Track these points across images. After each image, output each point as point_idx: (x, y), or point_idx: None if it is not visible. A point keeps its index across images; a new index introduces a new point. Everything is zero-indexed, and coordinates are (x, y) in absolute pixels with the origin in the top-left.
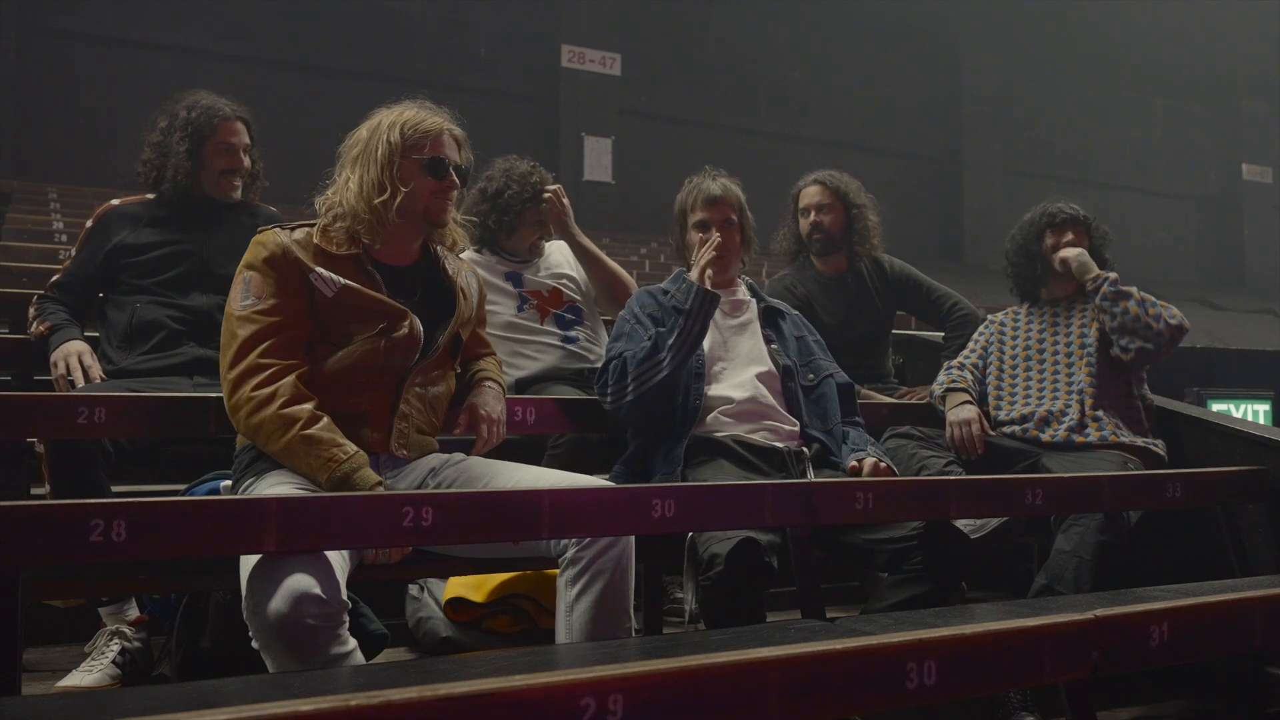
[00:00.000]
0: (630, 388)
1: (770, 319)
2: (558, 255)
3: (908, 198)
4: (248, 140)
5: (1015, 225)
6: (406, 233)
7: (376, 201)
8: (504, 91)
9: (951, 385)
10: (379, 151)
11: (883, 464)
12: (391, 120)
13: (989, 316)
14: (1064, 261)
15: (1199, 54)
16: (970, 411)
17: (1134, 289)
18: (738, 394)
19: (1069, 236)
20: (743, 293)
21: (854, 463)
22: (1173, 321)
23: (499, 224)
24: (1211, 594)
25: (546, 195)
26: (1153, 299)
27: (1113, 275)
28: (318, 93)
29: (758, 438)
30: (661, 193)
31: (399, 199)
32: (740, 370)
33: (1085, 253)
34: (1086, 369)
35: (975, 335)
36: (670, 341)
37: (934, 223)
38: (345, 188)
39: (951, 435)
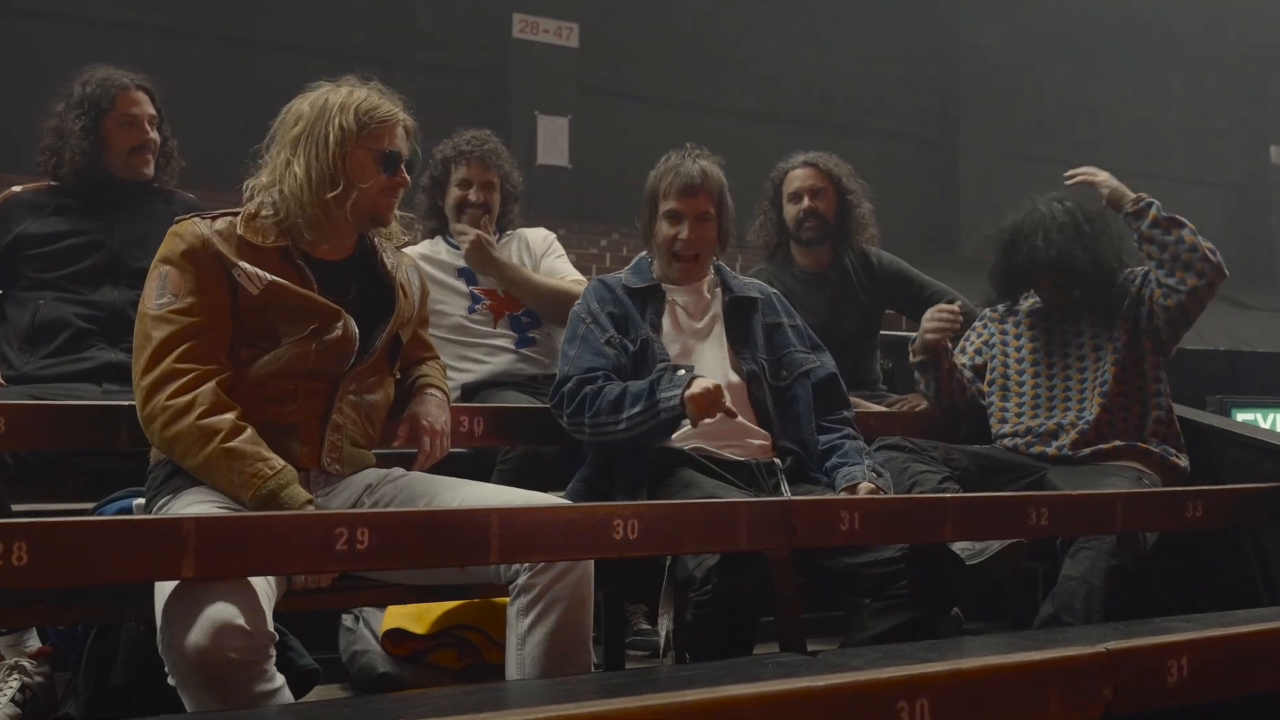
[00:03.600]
0: (587, 430)
1: (737, 313)
2: (519, 250)
3: (898, 184)
4: (152, 111)
5: (993, 235)
6: (346, 229)
7: (328, 196)
8: (448, 66)
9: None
10: (330, 137)
11: (878, 486)
12: (342, 101)
13: (985, 311)
14: (1091, 185)
15: (1221, 24)
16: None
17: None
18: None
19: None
20: (708, 287)
21: (845, 486)
22: (1215, 258)
23: (436, 186)
24: (1235, 624)
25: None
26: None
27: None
28: (242, 69)
29: (725, 452)
30: (624, 178)
31: (353, 197)
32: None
33: (1112, 177)
34: (1097, 379)
35: (968, 333)
36: (633, 413)
37: (927, 212)
38: (287, 173)
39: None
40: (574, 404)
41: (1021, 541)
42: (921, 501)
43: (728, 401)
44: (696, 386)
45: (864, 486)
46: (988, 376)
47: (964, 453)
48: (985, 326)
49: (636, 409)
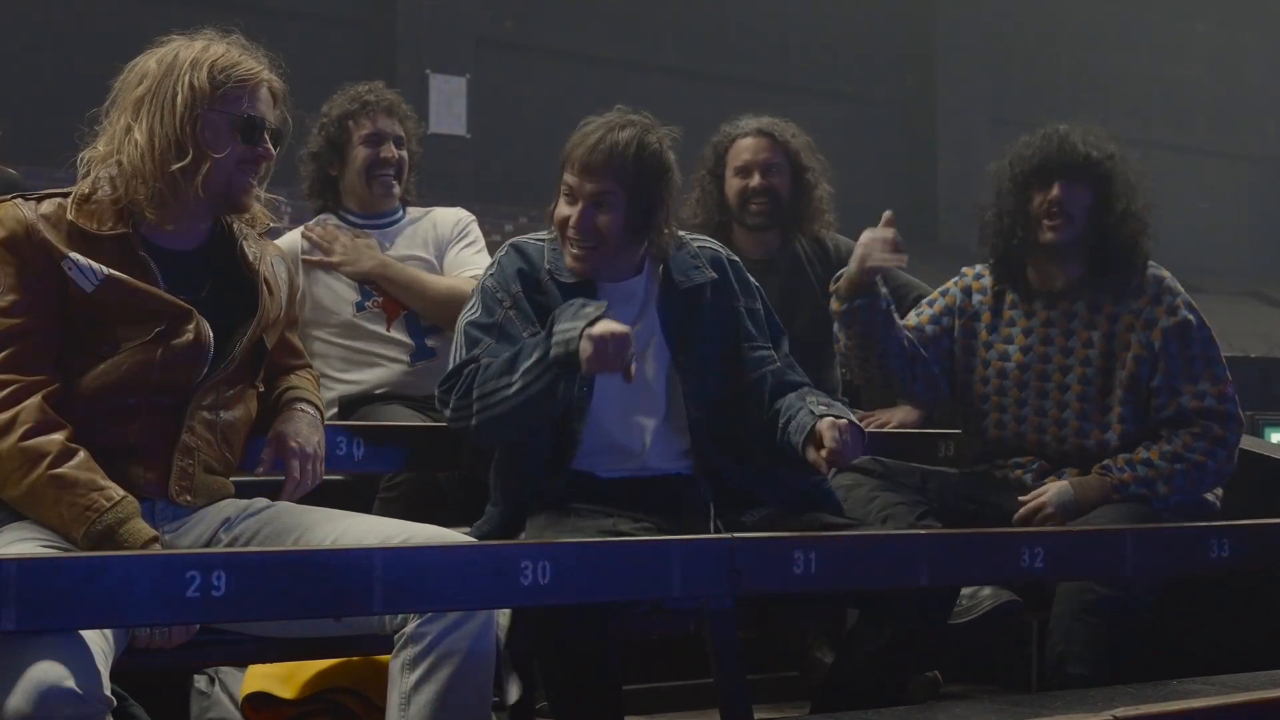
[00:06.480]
0: (474, 408)
1: (678, 311)
2: (425, 228)
3: (864, 156)
4: None
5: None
6: (198, 210)
7: (174, 168)
8: (323, 15)
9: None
10: (178, 98)
11: (834, 424)
12: (195, 57)
13: (963, 270)
14: (1038, 512)
15: None
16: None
17: (1161, 486)
18: (624, 442)
19: (1054, 192)
20: (639, 283)
21: (800, 440)
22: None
23: (332, 149)
24: (1269, 687)
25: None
26: (1194, 468)
27: (1122, 477)
28: (74, 20)
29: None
30: (533, 150)
31: (205, 168)
32: (630, 409)
33: (1067, 490)
34: (1079, 391)
35: (933, 295)
36: (528, 365)
37: (899, 190)
38: (127, 141)
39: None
40: (465, 384)
41: (1017, 600)
42: (890, 540)
43: (632, 359)
44: (601, 326)
45: (823, 429)
46: (953, 363)
47: (947, 480)
48: (952, 286)
49: (533, 359)
